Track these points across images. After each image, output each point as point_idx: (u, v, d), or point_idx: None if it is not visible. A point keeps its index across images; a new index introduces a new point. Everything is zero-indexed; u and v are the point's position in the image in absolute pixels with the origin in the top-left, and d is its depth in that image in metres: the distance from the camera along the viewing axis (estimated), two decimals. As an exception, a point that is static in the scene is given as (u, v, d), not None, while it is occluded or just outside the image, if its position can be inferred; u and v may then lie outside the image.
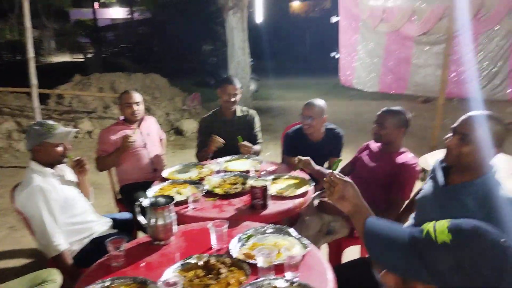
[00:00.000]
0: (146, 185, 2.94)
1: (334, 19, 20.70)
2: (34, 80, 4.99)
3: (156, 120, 3.63)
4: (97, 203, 3.28)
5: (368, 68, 11.40)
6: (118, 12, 28.08)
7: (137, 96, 3.21)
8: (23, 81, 5.87)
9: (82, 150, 6.10)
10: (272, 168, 2.91)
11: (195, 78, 13.14)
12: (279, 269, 1.62)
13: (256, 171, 2.79)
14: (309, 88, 12.05)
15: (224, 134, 3.30)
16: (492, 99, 9.33)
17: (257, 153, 3.34)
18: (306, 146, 3.04)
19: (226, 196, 2.41)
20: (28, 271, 2.08)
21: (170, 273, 1.59)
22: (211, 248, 1.84)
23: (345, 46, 11.91)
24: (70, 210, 2.28)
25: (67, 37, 18.34)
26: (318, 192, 2.77)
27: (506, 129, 1.67)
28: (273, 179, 2.65)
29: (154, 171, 3.24)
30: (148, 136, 3.30)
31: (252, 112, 3.54)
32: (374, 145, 2.67)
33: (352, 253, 2.63)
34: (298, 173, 2.80)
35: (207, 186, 2.51)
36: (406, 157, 2.46)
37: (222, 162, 2.88)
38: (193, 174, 2.81)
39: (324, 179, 1.41)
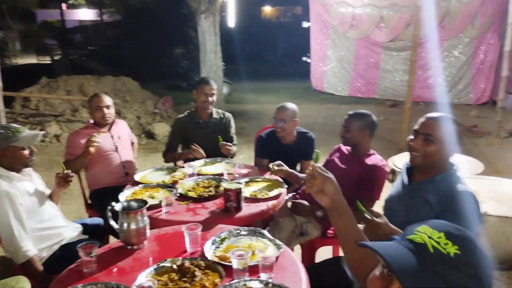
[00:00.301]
0: (118, 189, 2.89)
1: (305, 25, 21.00)
2: (-2, 82, 4.82)
3: (127, 123, 3.58)
4: (67, 209, 3.21)
5: (339, 72, 11.61)
6: (86, 14, 27.47)
7: (107, 100, 3.16)
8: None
9: (49, 155, 5.92)
10: (245, 171, 2.92)
11: (167, 81, 13.01)
12: (253, 270, 1.63)
13: (229, 174, 2.80)
14: (281, 92, 12.16)
15: (198, 137, 3.31)
16: (457, 103, 9.70)
17: (232, 156, 3.35)
18: (278, 149, 3.08)
19: (200, 199, 2.41)
20: (-7, 279, 2.01)
21: (144, 278, 1.58)
22: (185, 252, 1.84)
23: (316, 51, 12.09)
24: (38, 215, 2.21)
25: (34, 39, 17.77)
26: (291, 194, 2.81)
27: (461, 129, 1.76)
28: (247, 182, 2.67)
29: (125, 175, 3.19)
30: (119, 139, 3.24)
31: (228, 115, 3.54)
32: (345, 148, 2.74)
33: (324, 253, 2.68)
34: (271, 175, 2.83)
35: (180, 189, 2.50)
36: (375, 159, 2.53)
37: (195, 166, 2.87)
38: (166, 177, 2.79)
39: (306, 171, 1.43)
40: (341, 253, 2.68)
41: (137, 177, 2.79)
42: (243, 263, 1.60)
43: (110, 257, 1.80)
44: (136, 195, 2.47)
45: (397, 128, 6.80)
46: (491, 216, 3.04)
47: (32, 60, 19.17)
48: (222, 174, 2.81)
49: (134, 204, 1.92)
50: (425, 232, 0.88)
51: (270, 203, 2.37)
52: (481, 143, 6.63)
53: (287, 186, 2.63)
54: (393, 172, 3.89)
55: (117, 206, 1.88)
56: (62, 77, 8.20)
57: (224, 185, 2.31)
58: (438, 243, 0.85)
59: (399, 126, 6.45)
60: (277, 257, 1.72)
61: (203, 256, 1.75)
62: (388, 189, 2.15)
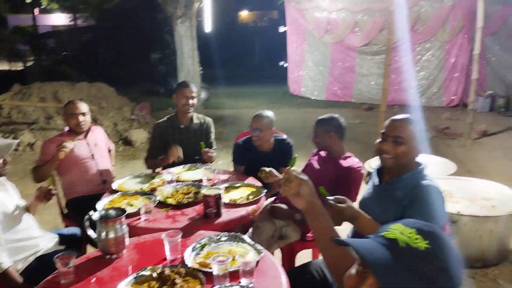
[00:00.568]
0: (95, 198, 2.86)
1: (282, 29, 21.16)
2: (-32, 90, 4.70)
3: (104, 130, 3.54)
4: (42, 219, 3.14)
5: (315, 77, 11.76)
6: (60, 19, 26.93)
7: (83, 106, 3.12)
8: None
9: (23, 164, 5.77)
10: (225, 176, 2.93)
11: (144, 87, 12.88)
12: (234, 276, 1.64)
13: (209, 180, 2.80)
14: (259, 96, 12.21)
15: (179, 142, 3.28)
16: (430, 105, 9.96)
17: (213, 160, 3.36)
18: (255, 157, 3.08)
19: (179, 206, 2.40)
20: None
21: (123, 287, 1.56)
22: (165, 259, 1.83)
23: (293, 55, 12.22)
24: (13, 225, 2.16)
25: (5, 44, 17.31)
26: (271, 199, 2.83)
27: (423, 129, 1.84)
28: (226, 188, 2.68)
29: (103, 183, 3.15)
30: (96, 146, 3.20)
31: (208, 119, 3.54)
32: (323, 151, 2.78)
33: (304, 256, 2.71)
34: (250, 180, 2.84)
35: (159, 196, 2.49)
36: (352, 161, 2.59)
37: (174, 172, 2.86)
38: (144, 185, 2.77)
39: (282, 175, 1.45)
40: (320, 256, 2.73)
41: (114, 185, 2.76)
42: (223, 268, 1.61)
43: (88, 267, 1.77)
44: (114, 203, 2.44)
45: (373, 131, 6.91)
46: (464, 216, 3.13)
47: (3, 66, 18.66)
48: (201, 180, 2.81)
49: (112, 212, 1.90)
50: (397, 229, 0.93)
51: (250, 208, 2.39)
52: (453, 145, 6.82)
53: (266, 191, 2.64)
54: (369, 174, 3.97)
55: (95, 215, 1.86)
56: (35, 83, 8.00)
57: (204, 191, 2.31)
58: (409, 238, 0.89)
59: (375, 129, 6.56)
60: (257, 262, 1.74)
61: (183, 263, 1.75)
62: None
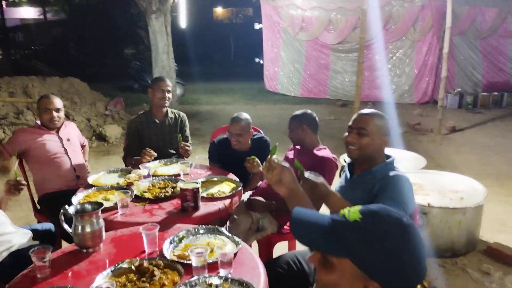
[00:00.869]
0: (69, 193, 2.81)
1: (257, 26, 21.20)
2: None
3: (77, 126, 3.48)
4: (13, 215, 3.07)
5: (291, 74, 11.85)
6: (28, 12, 26.10)
7: (57, 102, 3.05)
8: None
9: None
10: (202, 171, 2.93)
11: (118, 82, 12.66)
12: (212, 267, 1.65)
13: (185, 174, 2.80)
14: (235, 93, 12.20)
15: (154, 136, 3.29)
16: (402, 102, 10.22)
17: (189, 154, 3.36)
18: (232, 157, 3.08)
19: (156, 200, 2.39)
20: None
21: (101, 280, 1.56)
22: (143, 252, 1.83)
23: (269, 52, 12.27)
24: (-16, 222, 2.11)
25: (-31, 38, 16.68)
26: (248, 193, 2.86)
27: (393, 124, 1.92)
28: (203, 182, 2.68)
29: (77, 178, 3.10)
30: (68, 142, 3.14)
31: (183, 114, 3.54)
32: (298, 145, 2.84)
33: (281, 248, 2.75)
34: (227, 175, 2.86)
35: (135, 191, 2.47)
36: (326, 152, 2.66)
37: (150, 167, 2.84)
38: (120, 179, 2.75)
39: (264, 163, 1.49)
40: (297, 248, 2.78)
41: (90, 180, 2.72)
42: (202, 260, 1.62)
43: (65, 261, 1.75)
44: (89, 198, 2.41)
45: (346, 127, 7.05)
46: (434, 207, 3.25)
47: (-32, 60, 17.98)
48: (178, 175, 2.81)
49: (88, 206, 1.88)
50: (348, 208, 0.99)
51: (227, 201, 2.40)
52: (424, 140, 7.03)
53: (242, 185, 2.67)
54: (343, 168, 4.05)
55: (71, 209, 1.83)
56: (4, 78, 7.73)
57: (181, 185, 2.31)
58: (349, 211, 0.96)
59: (349, 125, 6.69)
60: (235, 253, 1.76)
61: (161, 256, 1.75)
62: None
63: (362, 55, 6.08)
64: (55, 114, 3.01)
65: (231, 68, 18.22)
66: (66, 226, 1.88)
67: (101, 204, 1.89)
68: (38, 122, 3.11)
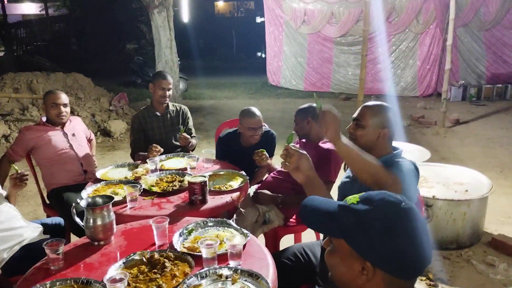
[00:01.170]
0: (77, 188, 2.86)
1: (258, 20, 21.12)
2: None
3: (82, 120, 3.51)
4: (21, 211, 3.09)
5: (294, 67, 11.82)
6: (30, 8, 26.10)
7: (64, 97, 3.08)
8: None
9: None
10: (208, 164, 2.96)
11: (121, 77, 12.67)
12: (222, 259, 1.68)
13: (192, 168, 2.83)
14: (237, 87, 12.20)
15: (157, 129, 3.34)
16: (405, 95, 10.19)
17: (193, 147, 3.39)
18: (239, 151, 3.11)
19: (164, 193, 2.42)
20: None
21: (114, 271, 1.59)
22: (153, 245, 1.86)
23: (271, 46, 12.23)
24: (-4, 216, 2.14)
25: (-28, 34, 16.69)
26: (255, 186, 2.89)
27: (390, 115, 1.90)
28: (210, 175, 2.71)
29: (84, 173, 3.13)
30: (74, 137, 3.16)
31: (184, 107, 3.58)
32: (304, 139, 2.86)
33: (287, 242, 2.78)
34: (234, 169, 2.89)
35: (143, 185, 2.50)
36: (331, 145, 2.67)
37: (157, 161, 2.87)
38: (128, 174, 2.78)
39: (283, 151, 1.52)
40: (303, 240, 2.81)
41: (98, 174, 2.75)
42: (212, 251, 1.65)
43: (77, 254, 1.78)
44: (98, 192, 2.44)
45: (350, 120, 7.04)
46: (439, 200, 3.26)
47: (-29, 57, 18.02)
48: (185, 169, 2.83)
49: (99, 200, 1.91)
50: (355, 195, 1.03)
51: (234, 194, 2.43)
52: (428, 133, 7.03)
53: (248, 178, 2.69)
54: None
55: (82, 202, 1.86)
56: (8, 74, 7.75)
57: (189, 178, 2.34)
58: (351, 197, 1.01)
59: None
60: (244, 245, 1.78)
61: (172, 248, 1.78)
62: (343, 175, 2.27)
63: (365, 48, 6.06)
64: (62, 109, 3.04)
65: (234, 62, 18.17)
66: (77, 220, 1.91)
67: (112, 198, 1.92)
68: (43, 118, 3.14)
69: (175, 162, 3.02)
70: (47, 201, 3.12)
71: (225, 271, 1.59)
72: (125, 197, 2.27)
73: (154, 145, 3.01)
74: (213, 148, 3.43)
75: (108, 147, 6.40)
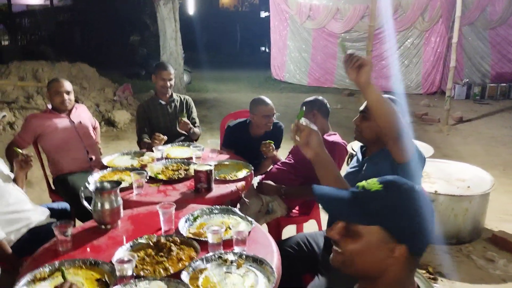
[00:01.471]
0: (82, 174, 2.89)
1: (263, 14, 21.06)
2: None
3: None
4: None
5: (298, 62, 11.82)
6: (35, -2, 26.00)
7: (67, 85, 3.11)
8: None
9: (3, 143, 5.67)
10: (214, 154, 2.98)
11: (125, 69, 12.69)
12: (227, 244, 1.71)
13: (198, 158, 2.85)
14: (241, 81, 12.20)
15: (162, 118, 3.41)
16: (409, 92, 10.19)
17: (197, 136, 3.46)
18: (247, 141, 3.14)
19: (170, 181, 2.45)
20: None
21: (122, 253, 1.62)
22: (159, 230, 1.89)
23: (276, 40, 12.23)
24: (4, 198, 2.17)
25: (-22, 23, 16.69)
26: (259, 177, 2.92)
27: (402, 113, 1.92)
28: (215, 165, 2.73)
29: (90, 160, 3.16)
30: (80, 124, 3.19)
31: (188, 97, 3.66)
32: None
33: (289, 232, 2.81)
34: (239, 158, 2.91)
35: (149, 172, 2.53)
36: (337, 137, 2.70)
37: (163, 150, 2.89)
38: (134, 161, 2.81)
39: (292, 125, 1.51)
40: (305, 230, 2.84)
41: (104, 161, 2.79)
42: (218, 237, 1.68)
43: (85, 236, 1.82)
44: (105, 178, 2.47)
45: (354, 116, 6.99)
46: (440, 195, 3.29)
47: (-25, 45, 18.06)
48: (190, 158, 2.86)
49: (107, 184, 1.94)
50: (366, 181, 1.06)
51: (239, 184, 2.46)
52: (431, 130, 7.04)
53: (253, 169, 2.72)
54: (351, 156, 4.09)
55: (91, 186, 1.89)
56: (13, 62, 7.79)
57: (195, 166, 2.37)
58: (368, 183, 1.03)
59: (356, 114, 6.70)
60: (249, 232, 1.81)
61: (177, 233, 1.81)
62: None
63: (370, 43, 6.07)
64: (66, 96, 3.06)
65: (237, 56, 18.16)
66: (85, 203, 1.94)
67: (120, 183, 1.95)
68: (49, 106, 3.17)
69: (181, 152, 3.05)
70: (53, 187, 3.15)
71: (230, 256, 1.62)
72: (131, 184, 2.30)
73: (157, 134, 3.05)
74: (217, 139, 3.46)
75: (112, 136, 6.43)
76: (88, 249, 1.72)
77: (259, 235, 1.85)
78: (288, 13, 11.57)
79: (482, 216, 3.47)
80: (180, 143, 3.25)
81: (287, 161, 2.87)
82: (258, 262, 1.58)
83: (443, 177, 3.63)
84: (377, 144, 1.96)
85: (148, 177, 2.45)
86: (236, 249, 1.69)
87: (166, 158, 2.86)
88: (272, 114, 3.08)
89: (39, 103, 6.99)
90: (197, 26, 14.82)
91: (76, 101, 3.33)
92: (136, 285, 1.42)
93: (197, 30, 15.13)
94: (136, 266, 1.54)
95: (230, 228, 1.82)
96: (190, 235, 1.80)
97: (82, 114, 3.30)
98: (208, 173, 2.29)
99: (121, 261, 1.46)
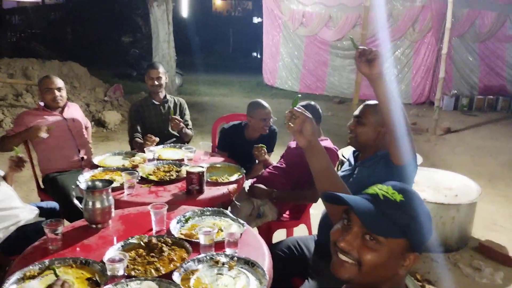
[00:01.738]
0: (72, 173, 2.87)
1: (255, 20, 21.15)
2: None
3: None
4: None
5: (290, 68, 11.88)
6: (26, -5, 25.72)
7: (58, 82, 3.09)
8: None
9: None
10: (205, 157, 2.98)
11: (115, 69, 12.61)
12: (218, 246, 1.71)
13: (190, 159, 2.85)
14: (233, 85, 12.21)
15: (155, 118, 3.42)
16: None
17: (189, 138, 3.47)
18: (241, 143, 3.15)
19: (161, 182, 2.45)
20: None
21: (113, 253, 1.61)
22: (150, 231, 1.88)
23: (269, 46, 12.27)
24: (-8, 196, 2.15)
25: (-34, 18, 16.46)
26: (250, 181, 2.92)
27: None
28: (207, 167, 2.73)
29: (81, 159, 3.13)
30: (73, 122, 3.17)
31: (182, 99, 3.67)
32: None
33: (279, 236, 2.81)
34: (230, 161, 2.92)
35: (140, 173, 2.51)
36: (328, 143, 2.73)
37: (155, 151, 2.88)
38: (125, 162, 2.79)
39: (286, 111, 1.49)
40: (294, 234, 2.85)
41: (95, 161, 2.76)
42: (210, 238, 1.68)
43: (75, 235, 1.80)
44: (96, 177, 2.45)
45: (344, 123, 7.01)
46: (429, 203, 3.32)
47: (-36, 41, 17.75)
48: (182, 160, 2.86)
49: (99, 183, 1.93)
50: (376, 187, 1.09)
51: (231, 186, 2.46)
52: (419, 140, 7.11)
53: (245, 172, 2.72)
54: (341, 162, 4.12)
55: (83, 185, 1.88)
56: (3, 59, 7.69)
57: (187, 168, 2.36)
58: (387, 192, 1.05)
59: (346, 122, 6.72)
60: (240, 234, 1.81)
61: (169, 234, 1.80)
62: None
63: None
64: (57, 93, 3.04)
65: (230, 61, 18.17)
66: (76, 202, 1.93)
67: (111, 182, 1.94)
68: (41, 104, 3.13)
69: (172, 153, 3.05)
70: (42, 186, 3.11)
71: (222, 258, 1.62)
72: (122, 184, 2.29)
73: (149, 135, 3.04)
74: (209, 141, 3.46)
75: (102, 137, 6.38)
76: (78, 249, 1.71)
77: (250, 237, 1.86)
78: (281, 19, 11.64)
79: (469, 225, 3.52)
80: (172, 144, 3.24)
81: (279, 165, 2.88)
82: (250, 264, 1.59)
83: (432, 185, 3.67)
84: (370, 149, 1.98)
85: (139, 178, 2.44)
86: (228, 251, 1.70)
87: (158, 159, 2.85)
88: (269, 118, 3.09)
89: (28, 101, 6.91)
90: (190, 29, 14.83)
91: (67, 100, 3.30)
92: (127, 285, 1.41)
93: (190, 33, 15.13)
94: (127, 266, 1.53)
95: (221, 230, 1.82)
96: (182, 236, 1.79)
97: (75, 113, 3.27)
98: (200, 175, 2.29)
99: (113, 261, 1.45)
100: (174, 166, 2.70)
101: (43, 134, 2.77)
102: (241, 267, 1.58)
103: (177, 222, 1.92)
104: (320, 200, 2.58)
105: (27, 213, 2.30)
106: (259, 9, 12.44)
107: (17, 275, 1.44)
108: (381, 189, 1.06)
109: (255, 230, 2.73)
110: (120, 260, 1.45)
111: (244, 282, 1.50)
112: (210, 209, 2.06)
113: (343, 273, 1.04)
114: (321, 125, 2.87)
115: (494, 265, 3.17)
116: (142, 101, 3.54)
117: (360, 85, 6.44)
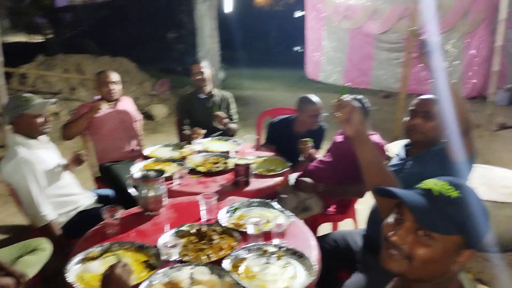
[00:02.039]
0: (126, 163, 2.99)
1: (297, 14, 20.94)
2: (-1, 56, 4.86)
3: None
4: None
5: (333, 62, 11.70)
6: (77, -6, 26.90)
7: (114, 76, 3.23)
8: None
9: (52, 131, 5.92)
10: (251, 150, 3.02)
11: (161, 65, 12.96)
12: (266, 236, 1.74)
13: (236, 152, 2.90)
14: (275, 79, 12.21)
15: (200, 111, 3.47)
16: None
17: (234, 132, 3.51)
18: (289, 137, 3.13)
19: (209, 173, 2.51)
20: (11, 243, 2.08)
21: (167, 238, 1.68)
22: (199, 219, 1.94)
23: (312, 40, 12.15)
24: (56, 182, 2.29)
25: (23, 16, 17.41)
26: (295, 174, 2.93)
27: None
28: (254, 159, 2.77)
29: (132, 150, 3.26)
30: (126, 115, 3.31)
31: (228, 93, 3.73)
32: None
33: (325, 230, 2.80)
34: (277, 154, 2.94)
35: (190, 164, 2.59)
36: (377, 137, 2.68)
37: (202, 143, 2.96)
38: (175, 153, 2.88)
39: (333, 101, 1.46)
40: (339, 228, 2.83)
41: (146, 152, 2.88)
42: (258, 229, 1.71)
43: (131, 221, 1.90)
44: (148, 168, 2.55)
45: (390, 118, 6.95)
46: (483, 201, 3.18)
47: (22, 38, 18.86)
48: (228, 152, 2.91)
49: (152, 173, 2.01)
50: (431, 182, 1.06)
51: (277, 179, 2.49)
52: (471, 135, 6.81)
53: (291, 165, 2.74)
54: (388, 158, 4.03)
55: (137, 174, 1.97)
56: (59, 55, 8.12)
57: (235, 160, 2.41)
58: (442, 187, 1.02)
59: (392, 116, 6.60)
60: (288, 225, 1.83)
61: (218, 223, 1.85)
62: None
63: (410, 44, 5.94)
64: (112, 86, 3.18)
65: (272, 55, 18.13)
66: (131, 190, 2.01)
67: (163, 172, 2.02)
68: (97, 97, 3.29)
69: (219, 145, 3.11)
70: (98, 174, 3.27)
71: (270, 248, 1.64)
72: (172, 174, 2.37)
73: (196, 128, 3.13)
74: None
75: (150, 130, 6.60)
76: (134, 234, 1.79)
77: (297, 229, 1.87)
78: (324, 12, 11.48)
79: (525, 225, 3.34)
80: (218, 137, 3.31)
81: (325, 159, 2.87)
82: (298, 255, 1.60)
83: (486, 183, 3.51)
84: (429, 144, 1.93)
85: (188, 169, 2.52)
86: (275, 241, 1.72)
87: (205, 151, 2.92)
88: (320, 114, 3.06)
89: (81, 95, 7.26)
90: (232, 24, 14.94)
91: (121, 94, 3.44)
92: (180, 270, 1.47)
93: (232, 28, 15.25)
94: (179, 252, 1.59)
95: (269, 221, 1.85)
96: (231, 226, 1.84)
97: (128, 106, 3.42)
98: (247, 167, 2.33)
99: (167, 246, 1.52)
100: (221, 158, 2.75)
101: (103, 106, 3.02)
102: (289, 258, 1.60)
103: (226, 212, 1.97)
104: (366, 195, 2.55)
105: (86, 199, 2.44)
106: (301, 3, 12.31)
107: (80, 256, 1.53)
108: (436, 184, 1.03)
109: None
110: (174, 246, 1.51)
111: (292, 272, 1.52)
112: (257, 200, 2.09)
113: (394, 266, 1.04)
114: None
115: (553, 268, 3.01)
116: (188, 95, 3.63)
117: (408, 79, 6.26)
